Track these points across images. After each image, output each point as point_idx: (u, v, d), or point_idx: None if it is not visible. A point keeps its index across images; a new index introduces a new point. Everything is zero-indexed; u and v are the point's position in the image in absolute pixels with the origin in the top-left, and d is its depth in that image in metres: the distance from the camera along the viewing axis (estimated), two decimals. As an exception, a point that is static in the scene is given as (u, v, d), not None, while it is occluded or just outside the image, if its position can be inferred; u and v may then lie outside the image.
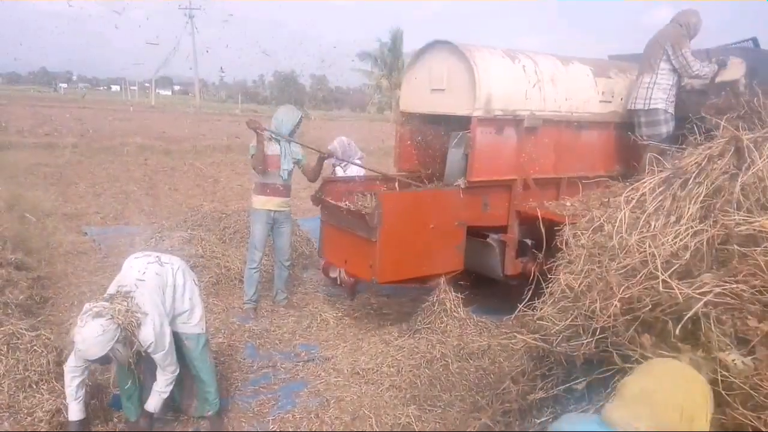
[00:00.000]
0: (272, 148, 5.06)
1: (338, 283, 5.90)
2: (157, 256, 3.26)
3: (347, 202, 5.11)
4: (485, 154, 4.80)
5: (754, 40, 5.96)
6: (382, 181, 5.62)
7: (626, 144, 5.35)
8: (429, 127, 5.59)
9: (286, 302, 5.48)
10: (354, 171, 6.33)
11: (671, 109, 5.26)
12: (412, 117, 5.55)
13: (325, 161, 5.49)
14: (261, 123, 5.03)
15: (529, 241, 5.10)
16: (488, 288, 5.57)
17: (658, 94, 5.21)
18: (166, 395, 3.18)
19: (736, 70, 5.32)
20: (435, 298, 4.85)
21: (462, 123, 4.87)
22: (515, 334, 2.65)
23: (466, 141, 4.84)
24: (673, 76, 5.23)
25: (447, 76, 4.93)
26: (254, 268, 5.20)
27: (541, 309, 2.77)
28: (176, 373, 3.16)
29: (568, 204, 5.06)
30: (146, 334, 2.89)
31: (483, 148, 4.77)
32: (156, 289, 3.07)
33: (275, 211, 5.14)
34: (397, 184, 5.50)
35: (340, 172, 6.43)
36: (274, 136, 5.07)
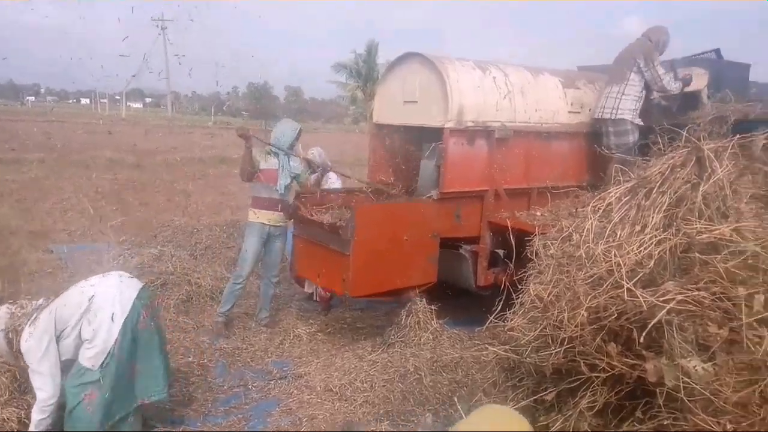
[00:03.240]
0: (270, 162, 5.02)
1: (314, 298, 5.88)
2: (104, 276, 3.21)
3: (320, 215, 5.08)
4: (457, 165, 4.82)
5: (717, 52, 6.13)
6: (355, 194, 5.59)
7: (595, 154, 5.43)
8: (402, 138, 5.60)
9: (268, 321, 5.39)
10: (330, 184, 6.28)
11: (637, 120, 5.36)
12: (386, 128, 5.56)
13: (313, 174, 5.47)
14: (250, 132, 4.98)
15: (501, 252, 5.13)
16: (462, 299, 5.57)
17: (626, 104, 5.31)
18: (37, 424, 2.96)
19: (699, 81, 5.47)
20: (408, 311, 4.82)
21: (434, 134, 4.89)
22: (486, 346, 2.65)
23: (439, 152, 4.86)
24: (641, 87, 5.33)
25: (419, 87, 4.96)
26: (239, 284, 5.10)
27: (512, 320, 2.78)
28: (49, 402, 2.95)
29: (539, 214, 5.11)
30: (20, 342, 2.93)
31: (455, 159, 4.79)
32: (62, 305, 3.01)
33: (271, 226, 5.08)
34: (371, 195, 5.48)
35: (333, 177, 6.29)
36: (273, 149, 5.03)
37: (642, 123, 5.34)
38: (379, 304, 5.79)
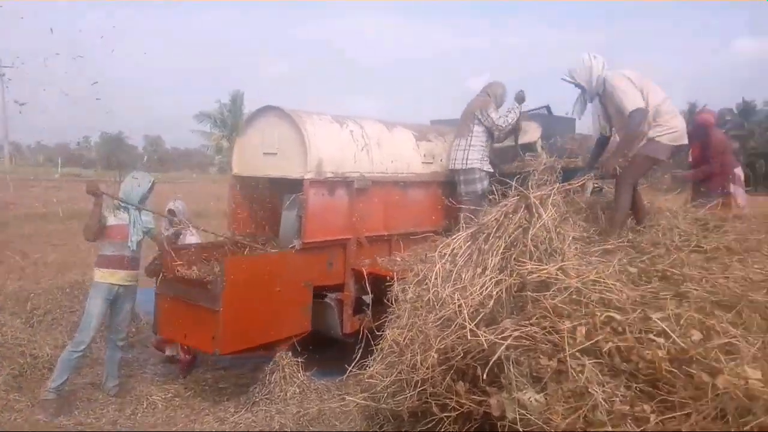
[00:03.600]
0: (120, 217, 4.70)
1: (176, 360, 5.51)
2: None
3: (186, 271, 4.84)
4: (318, 215, 4.88)
5: (548, 108, 6.90)
6: (222, 247, 5.41)
7: (448, 200, 5.81)
8: (262, 189, 5.57)
9: (117, 390, 4.91)
10: (188, 239, 6.02)
11: (486, 167, 5.80)
12: (246, 180, 5.50)
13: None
14: (100, 187, 4.62)
15: (368, 298, 5.21)
16: (330, 348, 5.54)
17: (474, 155, 5.76)
18: None
19: (533, 133, 6.11)
20: (273, 366, 4.69)
21: (295, 185, 4.93)
22: (345, 396, 2.64)
23: (300, 203, 4.89)
24: (486, 137, 5.81)
25: (278, 140, 5.00)
26: (79, 351, 4.59)
27: (371, 366, 2.82)
28: None
29: (399, 260, 5.29)
30: None
31: (316, 209, 4.85)
32: None
33: (120, 286, 4.69)
34: (235, 248, 5.33)
35: (189, 236, 6.02)
36: (122, 204, 4.70)
37: (492, 170, 5.79)
38: (244, 360, 5.56)
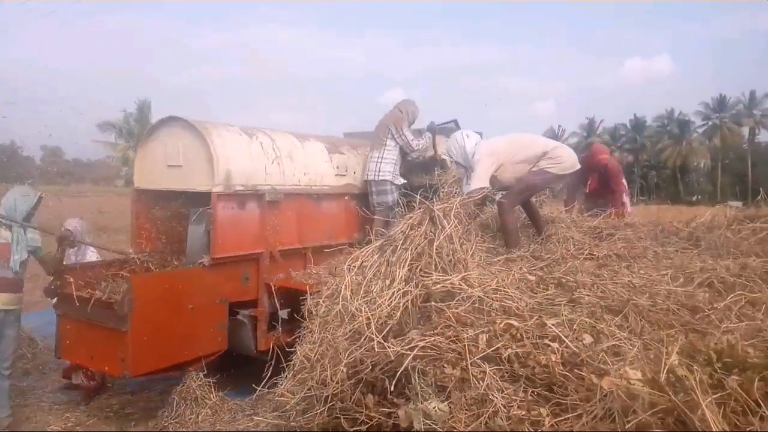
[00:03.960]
0: (2, 235, 4.37)
1: (79, 387, 5.16)
2: None
3: (90, 291, 4.55)
4: (228, 229, 4.75)
5: (456, 122, 7.14)
6: (127, 265, 5.14)
7: (361, 212, 5.87)
8: (167, 203, 5.35)
9: (11, 421, 4.51)
10: (89, 257, 5.67)
11: (397, 181, 5.97)
12: (149, 194, 5.26)
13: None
14: None
15: (284, 313, 5.13)
16: (247, 366, 5.39)
17: (386, 167, 5.88)
18: None
19: (442, 147, 6.30)
20: (183, 387, 4.49)
21: (202, 199, 4.78)
22: (252, 416, 2.59)
23: (208, 217, 4.74)
24: (397, 151, 5.99)
25: (183, 152, 4.83)
26: None
27: (282, 384, 2.78)
28: None
29: (314, 273, 5.26)
30: None
31: (225, 224, 4.72)
32: None
33: (1, 310, 4.32)
34: (143, 265, 5.09)
35: (90, 252, 5.67)
36: (3, 221, 4.33)
37: (402, 182, 5.95)
38: (154, 383, 5.29)
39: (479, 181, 4.61)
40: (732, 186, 51.74)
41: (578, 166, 4.90)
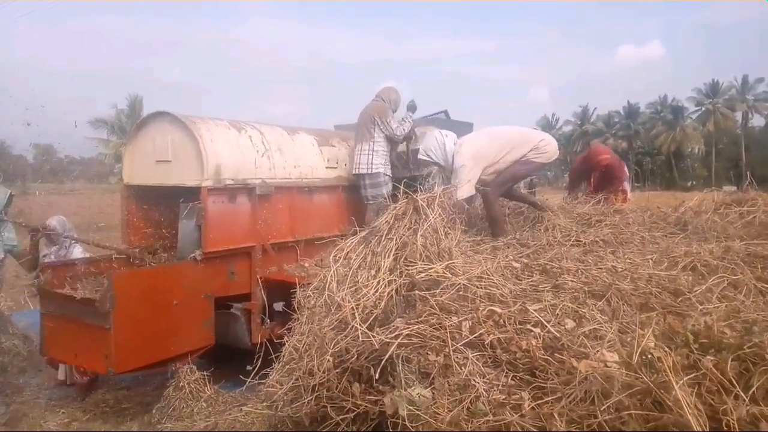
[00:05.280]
0: None
1: (68, 383, 5.18)
2: None
3: (72, 288, 4.57)
4: (219, 224, 4.77)
5: (446, 113, 7.16)
6: (114, 261, 5.15)
7: (354, 204, 5.88)
8: (157, 199, 5.36)
9: (6, 419, 4.55)
10: (75, 255, 5.66)
11: (389, 172, 5.95)
12: (138, 189, 5.27)
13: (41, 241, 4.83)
14: None
15: (280, 305, 5.15)
16: (242, 358, 5.42)
17: (378, 159, 5.87)
18: None
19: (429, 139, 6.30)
20: (177, 382, 4.52)
21: (192, 193, 4.78)
22: (242, 407, 2.62)
23: (198, 211, 4.75)
24: (386, 142, 5.96)
25: (172, 147, 4.83)
26: None
27: (272, 375, 2.81)
28: None
29: (307, 265, 5.28)
30: None
31: (216, 218, 4.73)
32: None
33: None
34: (133, 261, 5.10)
35: (78, 251, 5.66)
36: None
37: (391, 174, 5.94)
38: (149, 378, 5.32)
39: (467, 189, 4.58)
40: (726, 171, 51.97)
41: (558, 153, 4.95)
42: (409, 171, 6.06)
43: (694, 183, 52.28)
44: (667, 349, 1.69)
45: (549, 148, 4.79)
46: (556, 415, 1.73)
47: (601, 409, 1.67)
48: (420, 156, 5.18)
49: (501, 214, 4.66)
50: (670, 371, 1.58)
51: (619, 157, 7.62)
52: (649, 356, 1.67)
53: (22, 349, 5.93)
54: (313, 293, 3.08)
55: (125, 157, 5.33)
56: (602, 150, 7.54)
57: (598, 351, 1.86)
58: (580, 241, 3.71)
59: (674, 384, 1.55)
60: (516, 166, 4.70)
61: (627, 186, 7.10)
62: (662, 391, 1.61)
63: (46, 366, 5.81)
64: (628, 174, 7.32)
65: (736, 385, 1.69)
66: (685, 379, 1.60)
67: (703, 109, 58.26)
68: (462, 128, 7.01)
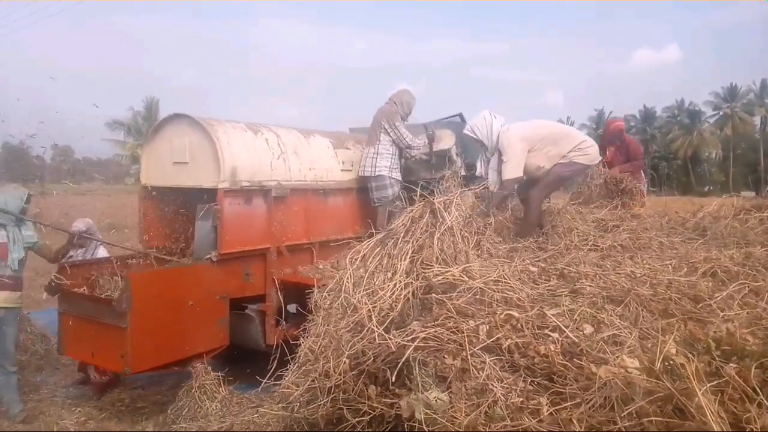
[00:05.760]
0: None
1: (90, 382, 5.25)
2: None
3: (88, 288, 4.62)
4: (235, 225, 4.80)
5: (461, 116, 7.14)
6: (128, 262, 5.21)
7: (367, 207, 5.89)
8: (174, 200, 5.41)
9: (24, 416, 4.60)
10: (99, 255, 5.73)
11: (395, 174, 5.90)
12: (156, 191, 5.32)
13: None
14: None
15: (292, 308, 5.17)
16: (256, 359, 5.44)
17: (382, 162, 5.85)
18: None
19: (448, 141, 6.29)
20: (192, 383, 4.55)
21: (208, 195, 4.82)
22: (257, 408, 2.62)
23: (214, 213, 4.79)
24: (392, 146, 5.92)
25: (189, 149, 4.88)
26: None
27: (287, 376, 2.81)
28: None
29: (321, 267, 5.29)
30: None
31: (232, 219, 4.77)
32: None
33: (1, 308, 4.38)
34: (150, 262, 5.15)
35: (102, 252, 5.74)
36: None
37: (399, 177, 5.91)
38: (164, 377, 5.36)
39: (515, 169, 4.58)
40: (744, 176, 51.24)
41: (597, 160, 4.97)
42: (431, 174, 6.04)
43: (710, 188, 51.60)
44: (689, 355, 1.67)
45: (591, 150, 4.76)
46: (574, 420, 1.72)
47: (622, 415, 1.65)
48: (465, 131, 5.12)
49: (538, 219, 4.62)
50: (693, 377, 1.55)
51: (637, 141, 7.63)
52: (671, 363, 1.65)
53: (39, 348, 6.01)
54: (328, 295, 3.08)
55: (143, 159, 5.38)
56: (617, 119, 7.57)
57: (618, 357, 1.84)
58: (597, 245, 3.68)
59: (697, 390, 1.53)
60: (558, 168, 4.65)
61: (643, 187, 7.00)
62: (684, 398, 1.59)
63: (62, 365, 5.88)
64: (644, 173, 7.26)
65: (760, 392, 1.66)
66: (708, 386, 1.58)
67: (721, 113, 57.54)
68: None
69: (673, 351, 1.70)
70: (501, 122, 4.87)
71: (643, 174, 7.17)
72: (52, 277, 4.65)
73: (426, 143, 6.03)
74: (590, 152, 4.76)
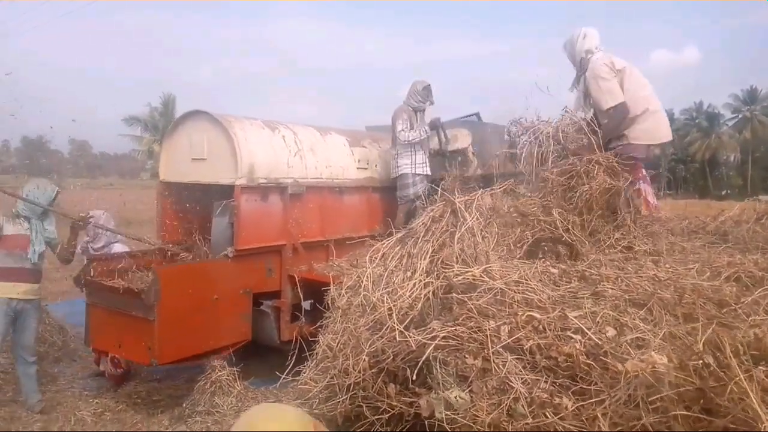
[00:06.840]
0: (20, 226, 4.49)
1: (105, 375, 5.30)
2: None
3: (118, 280, 4.68)
4: (251, 222, 4.83)
5: (477, 115, 7.10)
6: (154, 255, 5.26)
7: (384, 205, 5.88)
8: (192, 196, 5.45)
9: (42, 406, 4.67)
10: (116, 250, 5.79)
11: (419, 171, 5.85)
12: (174, 186, 5.36)
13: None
14: None
15: (307, 304, 5.19)
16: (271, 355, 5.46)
17: (403, 161, 5.85)
18: None
19: (464, 140, 6.27)
20: (208, 376, 4.58)
21: (226, 191, 4.85)
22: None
23: (231, 209, 4.82)
24: (409, 143, 5.85)
25: (207, 145, 4.92)
26: None
27: (306, 372, 2.82)
28: None
29: (336, 264, 5.30)
30: None
31: (249, 216, 4.80)
32: None
33: (20, 300, 4.46)
34: (167, 256, 5.20)
35: (119, 246, 5.80)
36: (22, 213, 4.48)
37: (427, 172, 5.87)
38: (179, 371, 5.40)
39: (614, 96, 4.24)
40: (763, 180, 50.48)
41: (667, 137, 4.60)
42: (444, 154, 5.98)
43: (728, 192, 50.92)
44: (719, 356, 1.64)
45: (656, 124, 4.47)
46: (599, 416, 1.70)
47: (649, 410, 1.63)
48: (564, 45, 4.78)
49: None
50: (731, 358, 1.52)
51: None
52: (702, 361, 1.62)
53: (57, 340, 6.08)
54: (346, 292, 3.08)
55: (162, 154, 5.43)
56: None
57: (645, 353, 1.81)
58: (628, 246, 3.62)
59: (740, 374, 1.50)
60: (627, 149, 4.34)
61: (644, 187, 6.66)
62: (715, 396, 1.57)
63: (79, 356, 5.95)
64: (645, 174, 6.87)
65: (790, 399, 1.63)
66: (743, 375, 1.55)
67: (740, 116, 56.71)
68: (495, 130, 6.95)
69: (702, 349, 1.67)
70: (588, 45, 4.43)
71: (644, 173, 6.80)
72: (81, 270, 4.71)
73: (428, 131, 5.93)
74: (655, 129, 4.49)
